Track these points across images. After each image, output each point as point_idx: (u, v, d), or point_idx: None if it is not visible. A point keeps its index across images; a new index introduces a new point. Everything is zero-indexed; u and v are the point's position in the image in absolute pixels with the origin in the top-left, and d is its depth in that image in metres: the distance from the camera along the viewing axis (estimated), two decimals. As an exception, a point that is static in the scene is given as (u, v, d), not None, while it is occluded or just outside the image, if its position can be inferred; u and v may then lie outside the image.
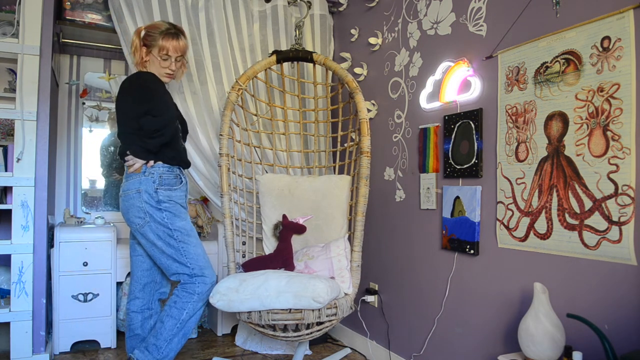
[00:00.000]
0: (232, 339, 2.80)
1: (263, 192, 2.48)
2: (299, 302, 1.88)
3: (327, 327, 2.01)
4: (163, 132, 1.92)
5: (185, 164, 2.10)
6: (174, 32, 2.03)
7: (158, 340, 1.95)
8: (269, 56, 2.52)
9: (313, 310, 1.91)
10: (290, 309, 1.91)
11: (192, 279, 1.99)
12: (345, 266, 2.16)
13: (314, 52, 2.51)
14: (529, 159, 1.68)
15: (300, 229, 2.36)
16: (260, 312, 1.93)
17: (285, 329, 2.01)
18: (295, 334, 1.99)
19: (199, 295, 1.99)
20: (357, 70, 2.71)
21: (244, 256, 2.41)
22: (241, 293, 1.92)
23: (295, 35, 2.70)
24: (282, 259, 2.24)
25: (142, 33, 2.02)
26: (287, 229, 2.34)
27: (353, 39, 2.79)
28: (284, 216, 2.38)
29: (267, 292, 1.90)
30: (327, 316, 1.95)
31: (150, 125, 1.90)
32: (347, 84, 2.38)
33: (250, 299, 1.91)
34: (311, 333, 2.00)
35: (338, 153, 2.70)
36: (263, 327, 1.99)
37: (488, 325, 1.84)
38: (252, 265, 2.22)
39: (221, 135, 2.33)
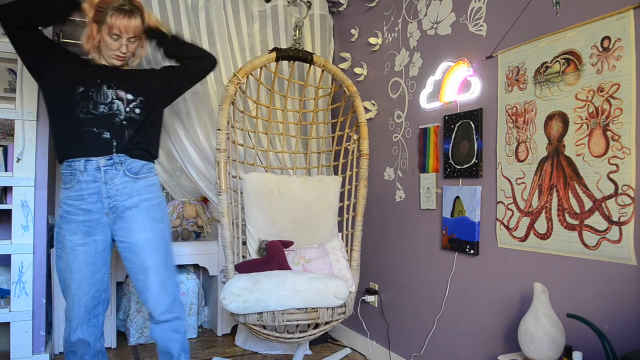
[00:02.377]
0: (232, 339, 2.80)
1: (249, 192, 2.37)
2: (320, 300, 1.91)
3: (332, 325, 2.04)
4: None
5: (68, 155, 1.70)
6: (128, 8, 1.72)
7: None
8: (269, 52, 2.50)
9: (327, 308, 1.95)
10: (307, 308, 1.93)
11: None
12: (345, 266, 2.17)
13: (314, 54, 2.50)
14: (529, 159, 1.68)
15: (287, 244, 2.32)
16: (274, 312, 1.90)
17: (288, 330, 2.01)
18: (301, 334, 2.00)
19: None
20: (357, 70, 2.71)
21: (244, 257, 2.40)
22: (257, 293, 1.88)
23: (294, 35, 2.70)
24: (277, 263, 2.17)
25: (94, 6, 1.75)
26: (275, 246, 2.25)
27: (353, 39, 2.79)
28: (268, 243, 2.28)
29: (286, 291, 1.88)
30: (338, 314, 2.00)
31: None
32: (347, 88, 2.40)
33: (267, 299, 1.87)
34: (315, 333, 2.03)
35: (337, 153, 2.70)
36: (268, 329, 1.97)
37: (488, 325, 1.84)
38: (246, 267, 2.15)
39: (219, 130, 2.18)
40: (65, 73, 1.76)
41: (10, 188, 2.24)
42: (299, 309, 1.92)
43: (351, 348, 2.71)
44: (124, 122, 1.72)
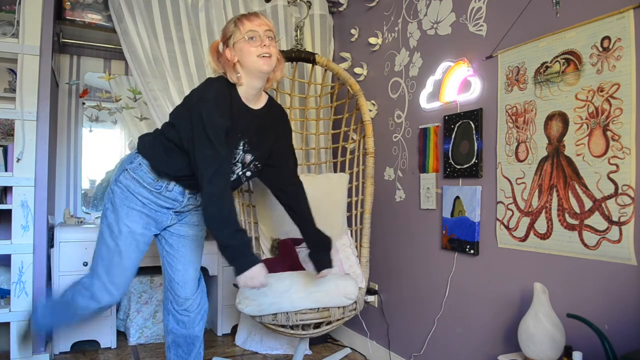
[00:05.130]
0: (232, 339, 2.80)
1: (257, 191, 2.46)
2: (331, 301, 1.98)
3: (345, 320, 2.10)
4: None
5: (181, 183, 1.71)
6: (250, 13, 1.67)
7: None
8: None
9: (339, 307, 2.01)
10: (319, 308, 1.99)
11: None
12: (355, 262, 2.23)
13: (317, 54, 2.51)
14: (529, 159, 1.68)
15: (299, 242, 2.35)
16: (287, 313, 1.96)
17: (303, 327, 2.06)
18: (315, 330, 2.06)
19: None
20: (357, 70, 2.71)
21: (257, 254, 2.43)
22: (270, 296, 1.94)
23: (296, 36, 2.70)
24: (289, 262, 2.23)
25: (219, 43, 1.69)
26: (287, 246, 2.31)
27: (353, 39, 2.79)
28: (281, 242, 2.34)
29: (298, 293, 1.95)
30: (349, 311, 2.05)
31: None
32: (351, 86, 2.41)
33: (280, 301, 1.94)
34: (332, 328, 2.10)
35: (340, 150, 2.70)
36: (285, 327, 2.03)
37: (488, 325, 1.84)
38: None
39: None
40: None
41: (10, 188, 2.24)
42: (311, 309, 1.98)
43: (351, 348, 2.71)
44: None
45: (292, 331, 2.04)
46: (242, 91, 1.68)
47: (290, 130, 1.94)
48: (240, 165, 1.74)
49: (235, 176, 1.76)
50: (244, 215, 2.38)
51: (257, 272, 1.53)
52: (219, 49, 1.68)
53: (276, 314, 1.97)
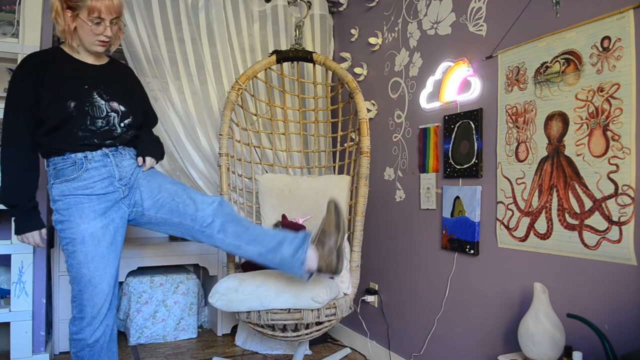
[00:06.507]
0: (232, 339, 2.80)
1: (263, 192, 2.48)
2: (299, 302, 1.89)
3: (326, 327, 2.02)
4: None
5: (83, 147, 1.65)
6: None
7: None
8: (269, 56, 2.53)
9: (312, 310, 1.92)
10: (290, 309, 1.92)
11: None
12: (344, 266, 2.16)
13: (314, 52, 2.51)
14: (529, 159, 1.68)
15: (299, 229, 2.36)
16: (259, 312, 1.93)
17: (284, 329, 2.02)
18: (295, 334, 2.00)
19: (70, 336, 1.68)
20: (357, 70, 2.71)
21: None
22: (240, 293, 1.92)
23: (295, 35, 2.70)
24: None
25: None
26: (287, 229, 2.34)
27: (353, 39, 2.79)
28: (284, 216, 2.38)
29: (267, 292, 1.90)
30: (326, 316, 1.96)
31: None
32: (347, 84, 2.39)
33: (249, 299, 1.91)
34: (310, 333, 2.01)
35: (338, 153, 2.70)
36: (262, 327, 1.99)
37: (488, 325, 1.84)
38: (251, 265, 2.22)
39: (221, 135, 2.33)
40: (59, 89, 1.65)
41: (10, 188, 2.24)
42: (281, 309, 1.92)
43: (351, 348, 2.71)
44: (122, 136, 1.72)
45: (272, 332, 1.99)
46: (75, 54, 1.70)
47: (140, 84, 1.92)
48: (114, 114, 1.69)
49: (110, 127, 1.69)
50: (246, 214, 2.38)
51: (36, 235, 1.69)
52: (58, 6, 1.61)
53: (249, 312, 1.94)
